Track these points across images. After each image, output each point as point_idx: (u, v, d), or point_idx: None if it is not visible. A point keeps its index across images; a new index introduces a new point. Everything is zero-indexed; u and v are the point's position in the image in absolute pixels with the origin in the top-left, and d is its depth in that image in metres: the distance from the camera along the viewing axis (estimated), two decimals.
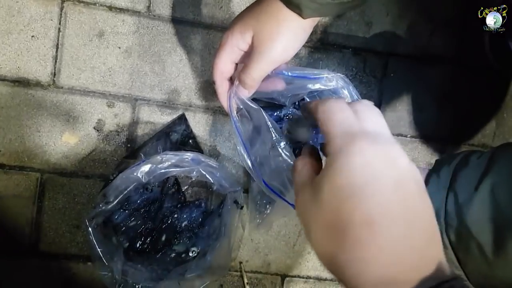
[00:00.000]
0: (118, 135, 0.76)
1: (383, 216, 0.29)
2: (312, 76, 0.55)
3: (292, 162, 0.52)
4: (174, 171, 0.67)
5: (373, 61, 0.82)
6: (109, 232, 0.71)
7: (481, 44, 0.75)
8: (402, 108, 0.84)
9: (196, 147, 0.77)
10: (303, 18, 0.45)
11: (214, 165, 0.69)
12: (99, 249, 0.66)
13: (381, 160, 0.30)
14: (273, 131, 0.53)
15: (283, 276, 0.83)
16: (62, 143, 0.75)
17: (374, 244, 0.28)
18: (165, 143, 0.75)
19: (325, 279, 0.84)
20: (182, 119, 0.76)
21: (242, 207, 0.74)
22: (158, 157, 0.67)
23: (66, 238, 0.76)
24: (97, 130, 0.75)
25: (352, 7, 0.46)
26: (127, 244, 0.73)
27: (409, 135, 0.84)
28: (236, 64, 0.53)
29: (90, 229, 0.66)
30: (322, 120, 0.34)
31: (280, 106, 0.78)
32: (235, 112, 0.55)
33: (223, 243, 0.72)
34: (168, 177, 0.73)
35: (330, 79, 0.55)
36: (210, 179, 0.69)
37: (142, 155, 0.73)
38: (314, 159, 0.37)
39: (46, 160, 0.74)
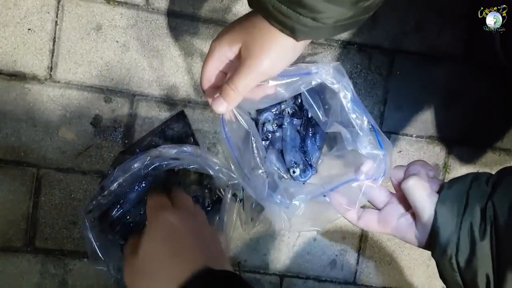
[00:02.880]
0: (115, 131, 0.75)
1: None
2: (307, 71, 0.54)
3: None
4: (173, 163, 0.66)
5: (378, 58, 0.79)
6: (105, 228, 0.70)
7: (492, 42, 0.71)
8: (408, 107, 0.81)
9: (195, 144, 0.76)
10: (296, 40, 0.45)
11: (213, 159, 0.68)
12: (95, 244, 0.65)
13: None
14: (256, 156, 0.58)
15: (282, 276, 0.81)
16: (59, 138, 0.74)
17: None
18: (161, 139, 0.74)
19: (325, 280, 0.82)
20: (180, 116, 0.75)
21: (241, 200, 0.73)
22: (157, 150, 0.66)
23: (63, 234, 0.75)
24: (94, 126, 0.74)
25: (345, 30, 0.45)
26: (123, 242, 0.72)
27: (414, 135, 0.82)
28: (225, 73, 0.51)
29: (86, 222, 0.65)
30: None
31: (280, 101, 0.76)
32: (228, 126, 0.54)
33: (221, 238, 0.71)
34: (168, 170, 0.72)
35: (326, 72, 0.54)
36: (210, 171, 0.68)
37: (138, 150, 0.71)
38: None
39: (43, 155, 0.73)
